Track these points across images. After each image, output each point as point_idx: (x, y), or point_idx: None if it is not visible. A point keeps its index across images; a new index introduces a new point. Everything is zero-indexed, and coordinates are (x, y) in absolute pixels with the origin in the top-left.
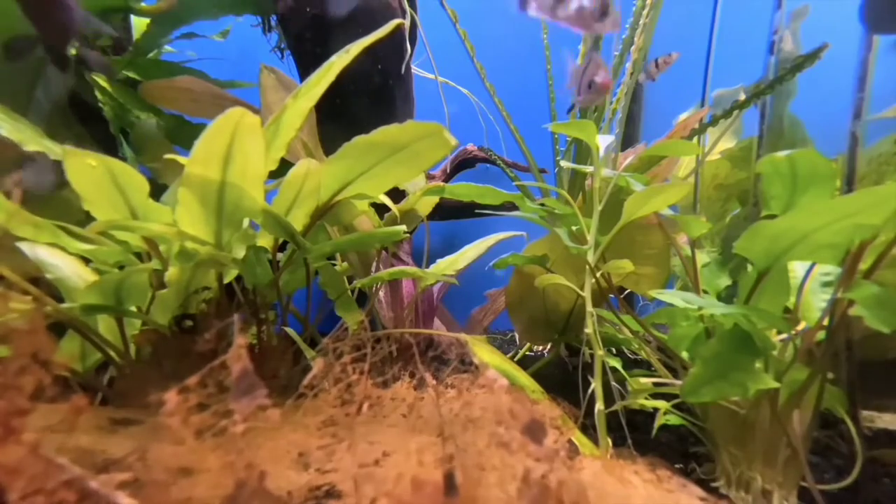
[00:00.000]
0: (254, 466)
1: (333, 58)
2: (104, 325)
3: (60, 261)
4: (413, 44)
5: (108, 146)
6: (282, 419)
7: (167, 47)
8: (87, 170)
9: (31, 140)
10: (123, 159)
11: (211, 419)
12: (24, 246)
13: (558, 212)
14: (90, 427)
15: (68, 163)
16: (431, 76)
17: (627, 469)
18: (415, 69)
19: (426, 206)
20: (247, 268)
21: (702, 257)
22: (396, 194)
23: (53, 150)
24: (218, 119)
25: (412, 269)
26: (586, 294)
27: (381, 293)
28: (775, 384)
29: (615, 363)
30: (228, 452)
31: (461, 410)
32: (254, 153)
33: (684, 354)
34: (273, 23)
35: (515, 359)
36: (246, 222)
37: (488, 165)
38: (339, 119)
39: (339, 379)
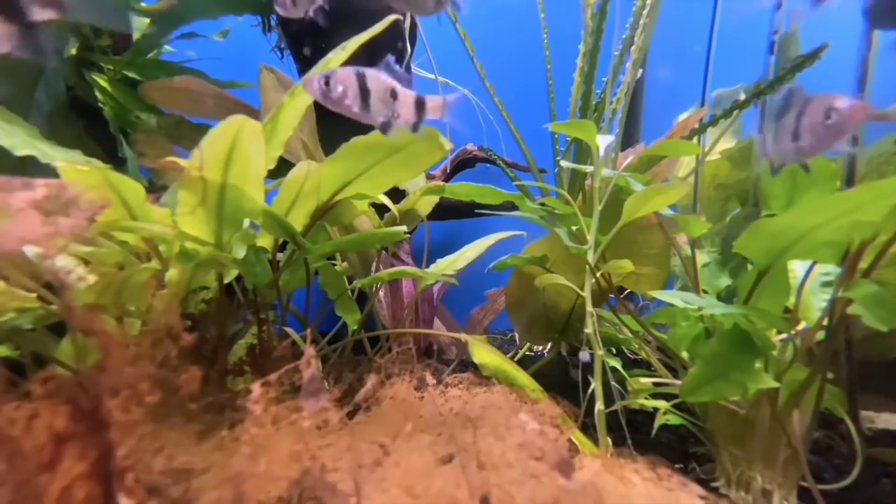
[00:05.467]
0: (317, 458)
1: (330, 55)
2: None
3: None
4: (413, 44)
5: (108, 146)
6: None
7: (167, 47)
8: (82, 177)
9: (22, 143)
10: (123, 159)
11: (285, 412)
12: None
13: (558, 212)
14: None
15: (63, 172)
16: (431, 76)
17: (628, 468)
18: (415, 69)
19: (426, 206)
20: (247, 268)
21: (702, 257)
22: (396, 194)
23: (46, 152)
24: (220, 125)
25: (412, 269)
26: (586, 294)
27: (381, 293)
28: (775, 384)
29: (615, 363)
30: (296, 442)
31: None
32: (254, 157)
33: (684, 354)
34: (273, 23)
35: (515, 359)
36: (246, 223)
37: (488, 165)
38: (339, 120)
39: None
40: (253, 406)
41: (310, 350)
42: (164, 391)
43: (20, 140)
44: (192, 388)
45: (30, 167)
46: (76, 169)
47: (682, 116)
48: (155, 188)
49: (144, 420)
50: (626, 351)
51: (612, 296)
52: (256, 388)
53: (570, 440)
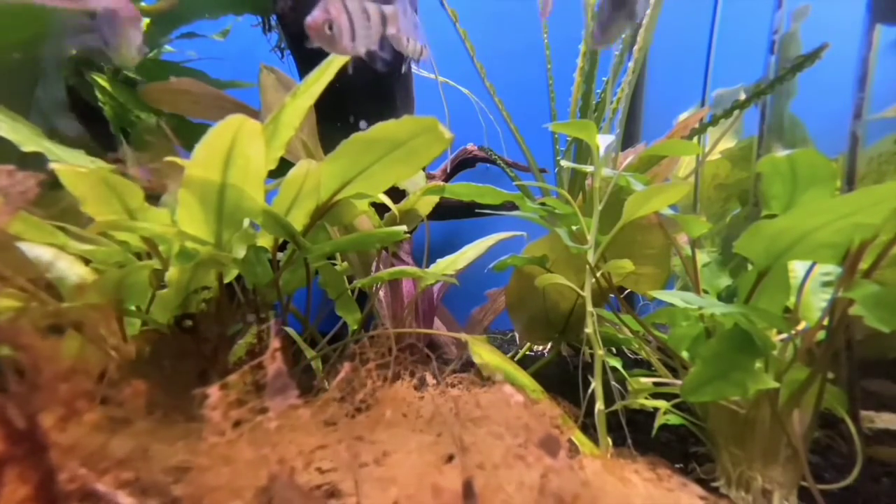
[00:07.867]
0: (285, 461)
1: (332, 56)
2: (104, 325)
3: (59, 260)
4: None
5: (109, 146)
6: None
7: (167, 47)
8: (81, 177)
9: (29, 140)
10: (124, 159)
11: (247, 414)
12: (23, 246)
13: (558, 211)
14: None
15: (61, 174)
16: (431, 76)
17: (628, 468)
18: (415, 69)
19: (426, 205)
20: (247, 267)
21: (702, 257)
22: (396, 194)
23: (52, 150)
24: (219, 124)
25: (412, 269)
26: (586, 294)
27: (381, 293)
28: (775, 384)
29: (615, 363)
30: (262, 446)
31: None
32: (254, 156)
33: (684, 354)
34: (273, 23)
35: (515, 359)
36: (246, 222)
37: (488, 165)
38: (340, 119)
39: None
40: (210, 413)
41: (275, 343)
42: (108, 406)
43: (25, 136)
44: (138, 404)
45: (30, 166)
46: (75, 171)
47: (682, 116)
48: (154, 187)
49: (89, 438)
50: (626, 351)
51: (612, 295)
52: (214, 391)
53: (570, 440)
